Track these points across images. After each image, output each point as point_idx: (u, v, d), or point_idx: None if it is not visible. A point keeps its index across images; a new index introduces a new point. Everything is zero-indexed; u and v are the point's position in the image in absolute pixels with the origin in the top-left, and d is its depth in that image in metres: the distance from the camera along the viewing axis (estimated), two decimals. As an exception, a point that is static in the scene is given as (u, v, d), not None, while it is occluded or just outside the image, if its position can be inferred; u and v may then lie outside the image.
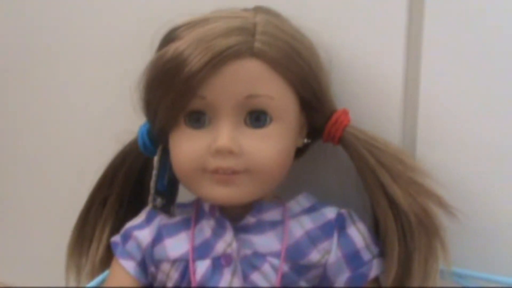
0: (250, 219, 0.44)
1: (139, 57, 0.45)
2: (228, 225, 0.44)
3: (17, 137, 0.70)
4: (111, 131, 0.51)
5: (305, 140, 0.47)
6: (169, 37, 0.43)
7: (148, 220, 0.48)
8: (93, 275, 0.52)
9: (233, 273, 0.43)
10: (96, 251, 0.52)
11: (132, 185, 0.52)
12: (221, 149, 0.41)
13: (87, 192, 0.53)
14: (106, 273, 0.50)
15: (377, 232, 0.46)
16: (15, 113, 0.69)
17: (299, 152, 0.49)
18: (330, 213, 0.46)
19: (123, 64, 0.53)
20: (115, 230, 0.51)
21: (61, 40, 0.62)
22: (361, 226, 0.46)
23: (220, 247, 0.44)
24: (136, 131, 0.50)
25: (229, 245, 0.44)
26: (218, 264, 0.44)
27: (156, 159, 0.48)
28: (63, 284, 0.53)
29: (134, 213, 0.51)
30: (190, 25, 0.42)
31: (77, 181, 0.55)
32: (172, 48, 0.41)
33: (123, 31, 0.58)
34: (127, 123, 0.49)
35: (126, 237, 0.48)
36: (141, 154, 0.50)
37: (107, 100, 0.60)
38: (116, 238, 0.49)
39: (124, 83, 0.47)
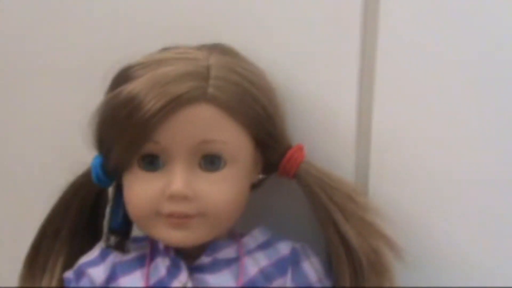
0: (205, 259, 0.45)
1: (93, 89, 0.44)
2: (182, 265, 0.44)
3: None
4: (65, 162, 0.50)
5: (260, 176, 0.47)
6: (122, 77, 0.43)
7: (102, 256, 0.47)
8: (46, 308, 0.51)
9: (188, 314, 0.43)
10: (49, 283, 0.51)
11: (86, 216, 0.51)
12: (175, 194, 0.41)
13: (38, 222, 0.52)
14: (59, 308, 0.49)
15: (330, 264, 0.47)
16: None
17: (255, 185, 0.49)
18: (284, 248, 0.46)
19: (77, 94, 0.52)
20: (69, 261, 0.50)
21: (15, 64, 0.60)
22: (315, 260, 0.47)
23: (175, 287, 0.44)
24: (89, 162, 0.49)
25: (184, 285, 0.44)
26: (173, 305, 0.44)
27: (109, 196, 0.47)
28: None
29: (89, 244, 0.50)
30: (144, 65, 0.42)
31: (29, 211, 0.53)
32: (126, 90, 0.41)
33: (78, 60, 0.56)
34: (81, 154, 0.48)
35: (79, 274, 0.47)
36: (94, 184, 0.49)
37: (61, 129, 0.58)
38: (69, 275, 0.48)
39: (75, 116, 0.46)
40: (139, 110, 0.40)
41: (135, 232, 0.49)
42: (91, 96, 0.45)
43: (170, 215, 0.41)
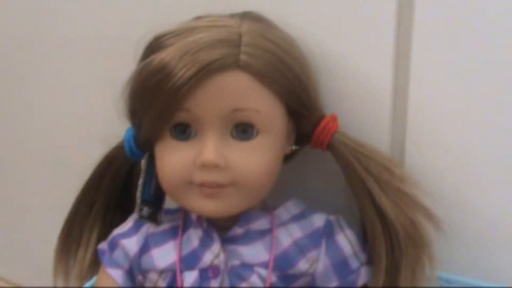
0: (238, 230, 0.44)
1: (124, 62, 0.44)
2: (215, 236, 0.44)
3: (5, 140, 0.69)
4: (98, 135, 0.50)
5: (293, 147, 0.46)
6: (154, 46, 0.42)
7: (136, 228, 0.48)
8: (81, 280, 0.52)
9: (221, 285, 0.43)
10: (84, 256, 0.52)
11: (119, 189, 0.52)
12: (206, 163, 0.40)
13: (74, 195, 0.53)
14: (94, 279, 0.50)
15: (365, 237, 0.46)
16: (7, 117, 0.68)
17: (288, 157, 0.48)
18: (318, 220, 0.45)
19: (109, 68, 0.52)
20: (103, 234, 0.51)
21: (49, 43, 0.61)
22: (349, 233, 0.45)
23: (207, 258, 0.44)
24: (122, 135, 0.49)
25: (217, 256, 0.44)
26: (206, 275, 0.44)
27: (142, 167, 0.47)
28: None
29: (122, 217, 0.50)
30: (175, 34, 0.41)
31: (64, 184, 0.54)
32: (157, 59, 0.40)
33: (109, 36, 0.56)
34: (113, 127, 0.48)
35: (113, 245, 0.48)
36: (127, 158, 0.49)
37: (94, 104, 0.58)
38: (103, 246, 0.49)
39: (109, 88, 0.46)
40: (170, 78, 0.39)
41: (168, 204, 0.49)
42: (125, 68, 0.45)
43: (202, 184, 0.41)
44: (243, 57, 0.40)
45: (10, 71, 0.65)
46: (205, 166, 0.40)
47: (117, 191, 0.52)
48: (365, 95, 0.47)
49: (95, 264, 0.51)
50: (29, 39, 0.62)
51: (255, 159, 0.41)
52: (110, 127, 0.49)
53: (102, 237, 0.50)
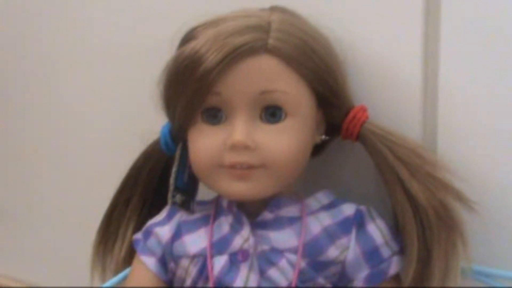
0: (268, 215, 0.45)
1: (161, 59, 0.46)
2: (245, 220, 0.45)
3: (44, 138, 0.72)
4: (136, 132, 0.52)
5: (323, 137, 0.47)
6: (187, 37, 0.44)
7: (169, 217, 0.49)
8: (117, 273, 0.53)
9: (250, 269, 0.43)
10: (120, 250, 0.53)
11: (155, 185, 0.53)
12: (236, 144, 0.41)
13: (112, 192, 0.55)
14: (128, 269, 0.51)
15: (397, 229, 0.45)
16: (43, 113, 0.71)
17: (318, 149, 0.49)
18: (348, 209, 0.45)
19: (145, 65, 0.54)
20: (138, 229, 0.52)
21: (86, 41, 0.64)
22: (380, 222, 0.45)
23: (237, 242, 0.44)
24: (159, 131, 0.51)
25: (246, 240, 0.44)
26: (235, 259, 0.44)
27: (176, 155, 0.48)
28: (88, 283, 0.54)
29: (157, 212, 0.51)
30: (207, 25, 0.44)
31: (103, 182, 0.56)
32: (189, 47, 0.43)
33: (145, 33, 0.59)
34: (151, 123, 0.50)
35: (148, 234, 0.49)
36: (163, 154, 0.51)
37: (132, 101, 0.61)
38: (138, 235, 0.50)
39: (147, 84, 0.48)
40: (201, 63, 0.41)
41: (202, 196, 0.50)
42: (162, 64, 0.47)
43: (232, 166, 0.42)
44: (271, 41, 0.41)
45: (45, 71, 0.68)
46: (235, 147, 0.41)
47: (153, 187, 0.53)
48: (395, 86, 0.48)
49: (131, 257, 0.52)
50: (67, 38, 0.65)
51: (283, 141, 0.42)
52: (148, 124, 0.51)
53: (137, 231, 0.52)
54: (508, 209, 0.44)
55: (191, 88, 0.42)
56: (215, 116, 0.43)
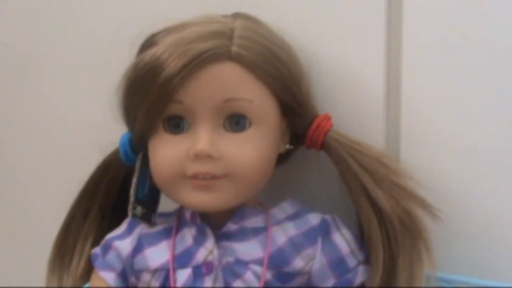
0: (232, 226, 0.44)
1: (119, 65, 0.45)
2: (209, 232, 0.44)
3: (1, 146, 0.69)
4: (94, 142, 0.50)
5: (288, 146, 0.46)
6: (147, 43, 0.43)
7: (129, 230, 0.47)
8: (74, 289, 0.51)
9: (215, 281, 0.42)
10: (78, 265, 0.51)
11: (114, 196, 0.51)
12: (199, 153, 0.40)
13: (69, 205, 0.53)
14: (87, 285, 0.49)
15: (363, 238, 0.45)
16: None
17: (283, 158, 0.48)
18: (314, 219, 0.45)
19: (103, 72, 0.53)
20: (97, 243, 0.50)
21: (43, 50, 0.62)
22: (346, 232, 0.45)
23: (201, 255, 0.43)
24: (118, 141, 0.49)
25: (210, 252, 0.43)
26: (199, 272, 0.43)
27: (136, 166, 0.47)
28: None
29: (117, 225, 0.50)
30: (168, 31, 0.43)
31: (60, 194, 0.54)
32: (150, 53, 0.41)
33: (103, 39, 0.58)
34: (109, 133, 0.48)
35: (106, 248, 0.47)
36: (123, 164, 0.49)
37: (89, 110, 0.59)
38: (97, 250, 0.48)
39: (105, 93, 0.47)
40: (162, 69, 0.40)
41: (164, 207, 0.49)
42: (120, 72, 0.46)
43: (195, 176, 0.41)
44: (234, 48, 0.41)
45: (6, 76, 0.66)
46: (198, 157, 0.40)
47: (113, 199, 0.51)
48: (358, 95, 0.48)
49: (89, 273, 0.50)
50: (25, 47, 0.63)
51: (248, 151, 0.41)
52: (107, 134, 0.49)
53: (96, 245, 0.50)
54: (470, 216, 0.45)
55: (152, 96, 0.41)
56: (177, 125, 0.42)
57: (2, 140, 0.68)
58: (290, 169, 0.50)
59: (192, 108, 0.41)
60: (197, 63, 0.40)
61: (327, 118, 0.46)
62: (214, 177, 0.41)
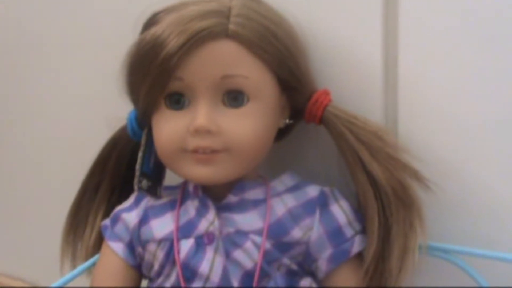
0: (232, 198, 0.45)
1: (124, 44, 0.46)
2: (210, 204, 0.45)
3: (8, 128, 0.71)
4: (103, 118, 0.52)
5: (287, 121, 0.48)
6: (149, 22, 0.45)
7: (136, 203, 0.49)
8: (87, 260, 0.53)
9: (216, 251, 0.44)
10: (90, 236, 0.53)
11: (123, 171, 0.53)
12: (199, 128, 0.42)
13: (81, 180, 0.55)
14: (97, 256, 0.51)
15: (359, 209, 0.46)
16: (4, 105, 0.70)
17: (283, 133, 0.49)
18: (312, 191, 0.46)
19: (109, 51, 0.54)
20: (108, 215, 0.52)
21: (49, 29, 0.63)
22: (344, 203, 0.46)
23: (203, 225, 0.45)
24: (126, 118, 0.51)
25: (212, 223, 0.45)
26: (201, 242, 0.45)
27: (141, 141, 0.49)
28: (57, 269, 0.54)
29: (126, 198, 0.52)
30: (169, 10, 0.44)
31: (70, 169, 0.56)
32: (151, 32, 0.43)
33: (108, 19, 0.59)
34: (118, 110, 0.50)
35: (115, 220, 0.49)
36: (131, 140, 0.51)
37: (98, 87, 0.61)
38: (106, 222, 0.50)
39: (112, 71, 0.48)
40: (162, 48, 0.41)
41: (171, 181, 0.51)
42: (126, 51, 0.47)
43: (195, 151, 0.42)
44: (232, 26, 0.42)
45: (9, 60, 0.67)
46: (198, 132, 0.42)
47: (122, 173, 0.53)
48: (356, 71, 0.49)
49: (100, 244, 0.52)
50: (29, 25, 0.64)
51: (246, 125, 0.42)
52: (115, 110, 0.51)
53: (107, 217, 0.52)
54: (463, 188, 0.46)
55: (153, 73, 0.42)
56: (178, 101, 0.43)
57: (14, 117, 0.70)
58: (290, 143, 0.51)
59: (192, 84, 0.42)
60: (195, 41, 0.41)
61: (326, 93, 0.47)
62: (213, 151, 0.42)
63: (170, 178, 0.51)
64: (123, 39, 0.46)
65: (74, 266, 0.55)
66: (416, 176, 0.43)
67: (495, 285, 0.45)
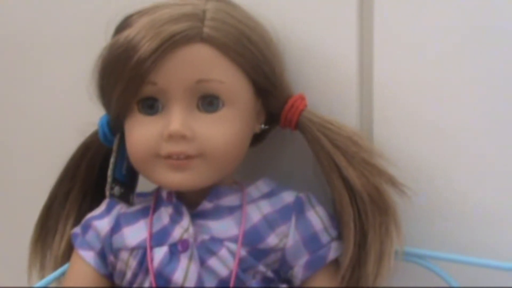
0: (207, 205, 0.44)
1: (96, 48, 0.45)
2: (184, 210, 0.44)
3: None
4: (73, 123, 0.51)
5: (263, 126, 0.47)
6: (122, 25, 0.44)
7: (108, 210, 0.48)
8: (56, 269, 0.52)
9: (190, 259, 0.43)
10: (59, 245, 0.52)
11: (94, 177, 0.52)
12: (173, 133, 0.41)
13: (50, 186, 0.53)
14: (67, 265, 0.50)
15: (335, 215, 0.46)
16: None
17: (259, 138, 0.49)
18: (288, 197, 0.46)
19: (80, 55, 0.53)
20: (79, 223, 0.51)
21: (17, 31, 0.62)
22: (320, 209, 0.46)
23: (176, 233, 0.44)
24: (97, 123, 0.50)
25: (186, 230, 0.44)
26: (175, 250, 0.44)
27: (113, 147, 0.47)
28: (25, 280, 0.53)
29: (97, 205, 0.50)
30: (142, 13, 0.43)
31: (39, 175, 0.55)
32: (124, 35, 0.42)
33: (79, 22, 0.58)
34: (89, 114, 0.49)
35: (86, 228, 0.48)
36: (102, 145, 0.50)
37: (69, 91, 0.59)
38: (76, 230, 0.49)
39: (83, 75, 0.47)
40: (135, 51, 0.40)
41: (145, 188, 0.50)
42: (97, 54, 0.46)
43: (169, 156, 0.41)
44: (206, 30, 0.41)
45: None
46: (172, 137, 0.41)
47: (94, 179, 0.52)
48: (332, 75, 0.49)
49: (70, 252, 0.50)
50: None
51: (221, 130, 0.42)
52: (86, 116, 0.49)
53: (77, 225, 0.50)
54: (437, 193, 0.46)
55: (126, 77, 0.41)
56: (151, 106, 0.43)
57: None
58: (266, 149, 0.50)
59: (165, 89, 0.41)
60: (169, 45, 0.40)
61: (301, 98, 0.47)
62: (188, 157, 0.41)
63: (143, 185, 0.50)
64: (95, 42, 0.45)
65: (42, 276, 0.53)
66: (392, 181, 0.43)
67: (469, 290, 0.45)
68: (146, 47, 0.40)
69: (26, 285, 0.53)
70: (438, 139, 0.46)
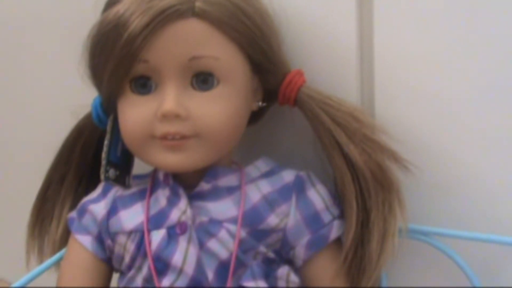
0: (205, 186, 0.43)
1: (85, 26, 0.44)
2: (181, 192, 0.43)
3: None
4: (66, 106, 0.49)
5: (260, 104, 0.46)
6: (111, 1, 0.42)
7: (104, 193, 0.47)
8: (54, 254, 0.51)
9: (189, 241, 0.42)
10: (56, 230, 0.51)
11: (89, 160, 0.51)
12: (167, 113, 0.39)
13: (45, 171, 0.52)
14: (64, 250, 0.49)
15: (337, 193, 0.45)
16: None
17: (257, 116, 0.47)
18: (288, 176, 0.45)
19: (70, 33, 0.51)
20: (75, 207, 0.50)
21: (6, 11, 0.60)
22: (321, 188, 0.45)
23: (174, 215, 0.43)
24: (90, 104, 0.48)
25: (184, 212, 0.43)
26: (173, 233, 0.43)
27: (107, 129, 0.46)
28: (23, 265, 0.52)
29: (94, 189, 0.49)
30: None
31: (33, 160, 0.53)
32: (113, 11, 0.40)
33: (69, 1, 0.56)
34: (81, 96, 0.47)
35: (82, 212, 0.47)
36: (97, 127, 0.48)
37: (59, 74, 0.58)
38: (73, 214, 0.48)
39: (74, 55, 0.46)
40: (125, 28, 0.39)
41: (138, 170, 0.49)
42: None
43: (164, 137, 0.40)
44: (198, 4, 0.39)
45: None
46: (166, 117, 0.40)
47: (89, 163, 0.51)
48: (331, 50, 0.47)
49: (67, 237, 0.50)
50: None
51: (217, 109, 0.40)
52: (78, 98, 0.48)
53: (74, 209, 0.50)
54: (441, 169, 0.45)
55: (117, 55, 0.40)
56: (144, 85, 0.41)
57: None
58: (264, 127, 0.49)
59: (158, 67, 0.40)
60: (160, 20, 0.38)
61: (300, 73, 0.45)
62: (183, 137, 0.40)
63: (140, 167, 0.49)
64: (84, 20, 0.44)
65: (40, 261, 0.52)
66: (395, 157, 0.42)
67: (475, 266, 0.44)
68: (136, 23, 0.39)
69: (24, 270, 0.52)
70: (441, 113, 0.45)
